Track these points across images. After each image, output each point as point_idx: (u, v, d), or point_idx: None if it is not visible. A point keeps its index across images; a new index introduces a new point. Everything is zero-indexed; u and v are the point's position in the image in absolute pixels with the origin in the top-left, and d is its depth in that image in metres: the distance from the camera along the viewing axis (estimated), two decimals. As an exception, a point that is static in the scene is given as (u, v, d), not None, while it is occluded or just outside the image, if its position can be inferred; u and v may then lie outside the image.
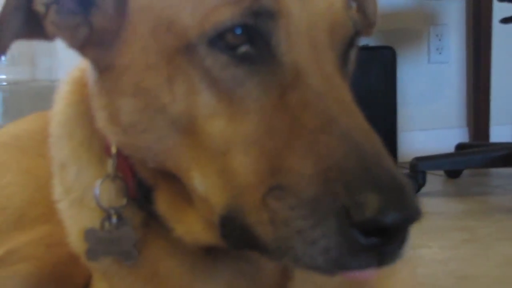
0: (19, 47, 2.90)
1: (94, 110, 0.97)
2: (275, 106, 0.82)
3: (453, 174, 3.52)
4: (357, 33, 0.93)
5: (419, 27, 4.45)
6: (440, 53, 4.49)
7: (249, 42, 0.83)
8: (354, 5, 1.06)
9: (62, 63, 3.02)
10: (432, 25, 4.47)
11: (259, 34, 0.83)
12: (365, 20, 1.12)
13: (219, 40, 0.83)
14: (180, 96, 0.85)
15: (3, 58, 2.74)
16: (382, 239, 0.75)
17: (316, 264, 0.76)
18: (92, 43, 0.92)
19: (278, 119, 0.81)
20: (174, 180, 0.93)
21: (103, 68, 0.92)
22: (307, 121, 0.79)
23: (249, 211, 0.81)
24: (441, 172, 3.55)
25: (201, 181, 0.86)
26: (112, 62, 0.90)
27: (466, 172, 3.61)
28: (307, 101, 0.81)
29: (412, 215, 0.74)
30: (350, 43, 0.92)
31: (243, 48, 0.83)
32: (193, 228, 0.94)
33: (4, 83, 3.10)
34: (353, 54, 0.96)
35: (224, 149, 0.83)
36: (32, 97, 3.03)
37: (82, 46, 0.92)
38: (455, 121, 4.49)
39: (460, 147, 3.83)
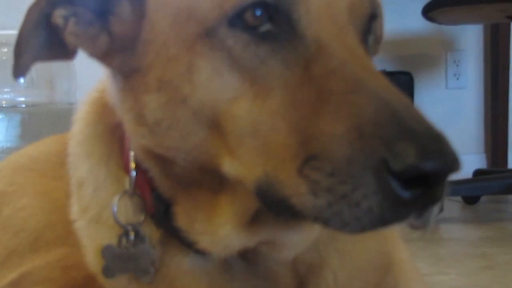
0: (38, 70, 2.92)
1: (120, 122, 0.98)
2: (300, 79, 0.82)
3: (470, 200, 3.49)
4: (374, 16, 0.93)
5: (437, 52, 4.45)
6: (457, 79, 4.48)
7: (269, 20, 0.84)
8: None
9: (80, 86, 3.05)
10: (449, 50, 4.47)
11: (279, 11, 0.84)
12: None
13: (239, 20, 0.84)
14: (201, 83, 0.85)
15: (22, 80, 2.75)
16: (423, 188, 0.74)
17: (362, 225, 0.75)
18: (115, 50, 0.93)
19: (304, 91, 0.81)
20: (196, 189, 0.93)
21: (128, 73, 0.93)
22: (334, 86, 0.79)
23: (284, 184, 0.80)
24: (459, 198, 3.52)
25: (231, 164, 0.86)
26: (136, 64, 0.91)
27: (484, 198, 3.57)
28: (332, 69, 0.81)
29: (452, 162, 0.74)
30: (368, 26, 0.93)
31: (264, 27, 0.84)
32: (219, 235, 0.93)
33: (23, 105, 3.12)
34: (372, 40, 0.96)
35: (252, 129, 0.83)
36: (51, 119, 3.05)
37: (105, 55, 0.94)
38: (473, 147, 4.46)
39: (478, 173, 3.80)
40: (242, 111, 0.84)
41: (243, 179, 0.86)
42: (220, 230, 0.93)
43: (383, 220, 0.75)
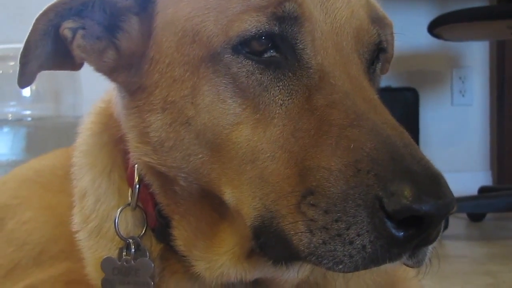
0: (44, 83, 2.91)
1: (124, 134, 0.98)
2: (301, 108, 0.82)
3: (476, 217, 3.47)
4: (381, 45, 0.93)
5: (442, 69, 4.45)
6: (463, 96, 4.47)
7: (274, 48, 0.84)
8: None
9: (86, 100, 3.05)
10: (455, 67, 4.46)
11: (284, 39, 0.84)
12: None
13: (244, 47, 0.84)
14: (204, 107, 0.85)
15: (28, 94, 2.73)
16: (417, 229, 0.74)
17: (355, 263, 0.76)
18: (121, 67, 0.93)
19: (304, 121, 0.81)
20: (196, 214, 0.93)
21: (133, 90, 0.93)
22: (335, 119, 0.79)
23: (285, 219, 0.80)
24: (464, 216, 3.50)
25: (231, 193, 0.86)
26: (142, 82, 0.92)
27: (489, 216, 3.55)
28: (334, 101, 0.81)
29: (447, 204, 0.74)
30: (376, 53, 0.93)
31: (269, 54, 0.84)
32: (216, 264, 0.93)
33: (29, 119, 3.13)
34: (378, 68, 0.96)
35: (252, 157, 0.83)
36: (56, 133, 3.05)
37: (111, 71, 0.94)
38: (479, 164, 4.45)
39: (483, 190, 3.78)
40: (243, 138, 0.84)
41: (242, 211, 0.86)
42: (218, 259, 0.93)
43: (375, 259, 0.75)
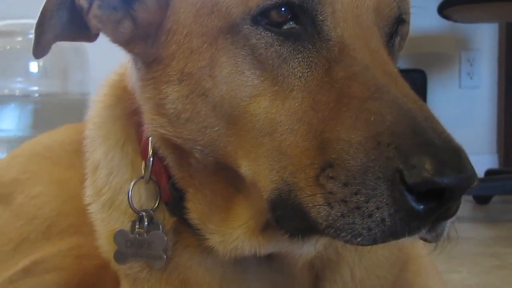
0: (51, 60, 2.90)
1: (138, 107, 0.97)
2: (321, 81, 0.81)
3: (482, 200, 3.47)
4: (401, 17, 0.92)
5: (451, 51, 4.43)
6: (471, 78, 4.46)
7: (294, 19, 0.83)
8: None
9: (94, 77, 3.05)
10: (464, 49, 4.44)
11: (304, 10, 0.83)
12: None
13: (264, 18, 0.83)
14: (222, 78, 0.85)
15: (35, 70, 2.73)
16: (437, 203, 0.73)
17: (373, 237, 0.75)
18: (137, 38, 0.92)
19: (324, 93, 0.80)
20: (211, 187, 0.93)
21: (150, 62, 0.92)
22: (355, 91, 0.78)
23: (303, 192, 0.79)
24: (470, 198, 3.50)
25: (248, 166, 0.86)
26: (159, 53, 0.90)
27: (495, 199, 3.55)
28: (354, 73, 0.80)
29: (469, 177, 0.73)
30: (395, 27, 0.91)
31: (288, 25, 0.83)
32: (230, 237, 0.92)
33: (36, 95, 3.13)
34: (397, 42, 0.95)
35: (270, 129, 0.82)
36: (63, 109, 3.05)
37: (127, 42, 0.93)
38: (485, 147, 4.44)
39: (490, 173, 3.78)
40: (261, 110, 0.83)
41: (259, 184, 0.85)
42: (232, 233, 0.92)
43: (394, 233, 0.75)
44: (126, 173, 1.03)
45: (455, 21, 3.48)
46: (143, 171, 1.01)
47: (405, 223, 0.74)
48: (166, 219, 1.01)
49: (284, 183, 0.81)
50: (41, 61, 3.08)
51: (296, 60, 0.83)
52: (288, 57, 0.83)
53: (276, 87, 0.83)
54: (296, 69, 0.82)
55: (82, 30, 0.95)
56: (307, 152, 0.79)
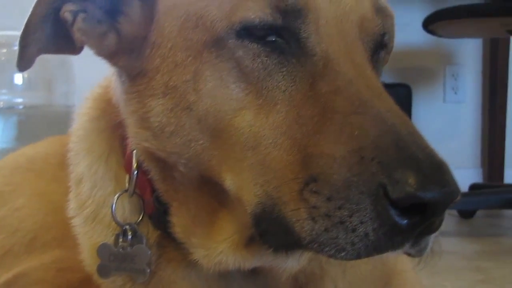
0: (36, 71, 2.89)
1: (122, 120, 0.97)
2: (305, 95, 0.81)
3: (466, 214, 3.48)
4: (385, 33, 0.92)
5: (436, 66, 4.45)
6: (455, 93, 4.48)
7: (278, 36, 0.83)
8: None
9: (79, 89, 3.03)
10: (448, 64, 4.47)
11: (288, 30, 0.83)
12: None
13: (248, 33, 0.83)
14: (206, 92, 0.84)
15: (20, 82, 2.71)
16: (421, 218, 0.73)
17: (357, 251, 0.75)
18: (122, 51, 0.92)
19: (308, 108, 0.80)
20: (195, 201, 0.92)
21: (134, 75, 0.92)
22: (339, 105, 0.78)
23: (287, 206, 0.79)
24: (454, 212, 3.51)
25: (232, 180, 0.86)
26: (143, 67, 0.90)
27: (479, 213, 3.56)
28: (337, 88, 0.80)
29: (452, 192, 0.73)
30: (379, 41, 0.92)
31: (272, 38, 0.83)
32: (214, 252, 0.92)
33: (20, 107, 3.11)
34: (382, 55, 0.95)
35: (254, 143, 0.82)
36: (48, 121, 3.03)
37: (112, 55, 0.93)
38: (470, 161, 4.45)
39: (474, 187, 3.79)
40: (245, 123, 0.83)
41: (243, 198, 0.85)
42: (217, 247, 0.92)
43: (378, 247, 0.74)
44: (110, 186, 1.03)
45: (440, 36, 3.50)
46: (127, 184, 1.00)
47: (389, 238, 0.74)
48: (150, 233, 1.00)
49: (268, 197, 0.81)
50: (26, 73, 3.06)
51: (281, 73, 0.83)
52: (273, 70, 0.83)
53: (261, 101, 0.83)
54: (280, 83, 0.82)
55: (66, 43, 0.95)
56: (291, 166, 0.79)
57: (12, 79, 3.06)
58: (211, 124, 0.85)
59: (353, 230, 0.74)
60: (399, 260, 1.12)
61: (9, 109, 3.08)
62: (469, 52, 4.48)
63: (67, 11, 0.92)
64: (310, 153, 0.78)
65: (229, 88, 0.84)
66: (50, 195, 1.36)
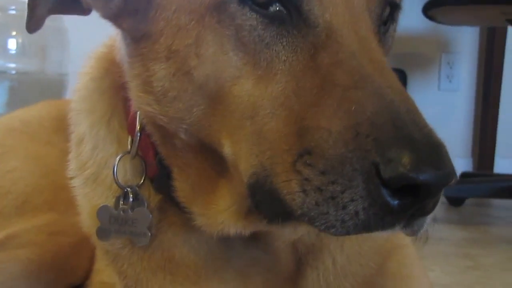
0: (31, 37, 2.86)
1: (126, 81, 0.95)
2: (305, 66, 0.80)
3: (456, 202, 3.49)
4: (394, 4, 0.90)
5: (432, 53, 4.44)
6: (450, 81, 4.47)
7: (281, 4, 0.81)
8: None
9: (73, 57, 3.00)
10: (444, 52, 4.46)
11: (290, 0, 0.81)
12: None
13: None
14: (207, 57, 0.83)
15: (13, 47, 2.68)
16: (413, 199, 0.71)
17: (346, 229, 0.73)
18: (127, 13, 0.90)
19: (307, 79, 0.79)
20: (196, 168, 0.91)
21: (138, 37, 0.90)
22: (339, 79, 0.77)
23: (279, 177, 0.78)
24: (444, 200, 3.52)
25: (230, 147, 0.84)
26: (148, 29, 0.88)
27: (468, 201, 3.57)
28: (339, 60, 0.78)
29: (447, 174, 0.71)
30: (387, 10, 0.89)
31: (274, 7, 0.81)
32: (215, 220, 0.91)
33: (13, 72, 3.07)
34: (392, 28, 0.93)
35: (252, 112, 0.81)
36: (40, 89, 3.01)
37: (116, 17, 0.91)
38: (461, 150, 4.46)
39: (464, 175, 3.80)
40: (244, 92, 0.81)
41: (240, 167, 0.84)
42: (217, 216, 0.91)
43: (368, 226, 0.73)
44: (112, 147, 1.02)
45: (439, 22, 3.49)
46: (129, 146, 0.99)
47: (379, 218, 0.72)
48: (151, 196, 0.99)
49: (262, 167, 0.80)
50: (20, 38, 3.04)
51: (280, 44, 0.81)
52: (271, 41, 0.81)
53: (260, 71, 0.81)
54: (280, 53, 0.81)
55: (75, 3, 0.93)
56: (286, 138, 0.78)
57: (6, 44, 3.03)
58: (212, 90, 0.84)
59: (344, 207, 0.72)
60: (399, 235, 1.11)
61: (1, 74, 3.04)
62: (465, 41, 4.47)
63: None
64: (307, 126, 0.76)
65: (228, 55, 0.82)
66: (44, 158, 1.36)
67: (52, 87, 3.04)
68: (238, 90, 0.82)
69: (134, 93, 0.93)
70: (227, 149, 0.85)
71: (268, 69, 0.81)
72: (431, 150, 0.71)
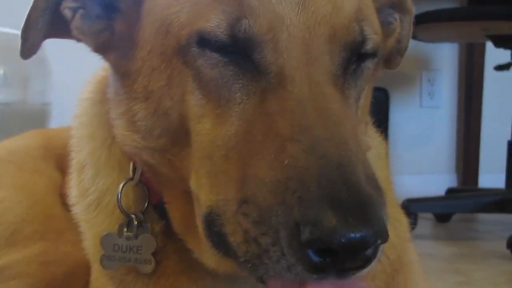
0: (13, 68, 2.84)
1: (113, 120, 0.96)
2: (256, 111, 0.79)
3: (443, 218, 3.49)
4: (365, 43, 0.87)
5: (412, 71, 4.47)
6: (431, 98, 4.50)
7: (236, 49, 0.81)
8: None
9: (55, 87, 2.99)
10: (424, 69, 4.49)
11: (243, 49, 0.81)
12: (397, 44, 1.10)
13: (207, 42, 0.81)
14: (178, 98, 0.84)
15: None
16: (333, 259, 0.70)
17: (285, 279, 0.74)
18: (111, 48, 0.92)
19: (256, 125, 0.78)
20: (182, 200, 0.91)
21: (121, 75, 0.91)
22: (281, 128, 0.76)
23: (226, 223, 0.78)
24: (431, 216, 3.52)
25: (194, 180, 0.85)
26: (128, 68, 0.90)
27: (455, 217, 3.58)
28: (285, 108, 0.77)
29: (370, 235, 0.69)
30: (356, 52, 0.86)
31: (231, 49, 0.81)
32: (203, 256, 0.92)
33: (-4, 103, 3.06)
34: (366, 68, 0.89)
35: (209, 152, 0.81)
36: (23, 119, 2.99)
37: (104, 50, 0.93)
38: (445, 166, 4.48)
39: (450, 191, 3.81)
40: (205, 131, 0.82)
41: (200, 198, 0.84)
42: (203, 252, 0.92)
43: (304, 279, 0.73)
44: (113, 173, 1.02)
45: (420, 40, 3.51)
46: (131, 173, 0.98)
47: (309, 273, 0.72)
48: (155, 222, 0.99)
49: (216, 206, 0.80)
50: (2, 69, 3.02)
51: (237, 85, 0.81)
52: (230, 81, 0.81)
53: (219, 110, 0.81)
54: (236, 95, 0.81)
55: (67, 28, 0.94)
56: (234, 183, 0.78)
57: (-13, 75, 3.02)
58: (185, 129, 0.85)
59: (278, 261, 0.73)
60: (408, 252, 1.11)
61: (-16, 105, 3.03)
62: (445, 58, 4.51)
63: (66, 8, 0.92)
64: (248, 173, 0.76)
65: (194, 94, 0.83)
66: (32, 188, 1.35)
67: (35, 117, 3.02)
68: (200, 128, 0.82)
69: (119, 131, 0.94)
70: (192, 181, 0.86)
71: (226, 108, 0.81)
72: (356, 209, 0.69)
